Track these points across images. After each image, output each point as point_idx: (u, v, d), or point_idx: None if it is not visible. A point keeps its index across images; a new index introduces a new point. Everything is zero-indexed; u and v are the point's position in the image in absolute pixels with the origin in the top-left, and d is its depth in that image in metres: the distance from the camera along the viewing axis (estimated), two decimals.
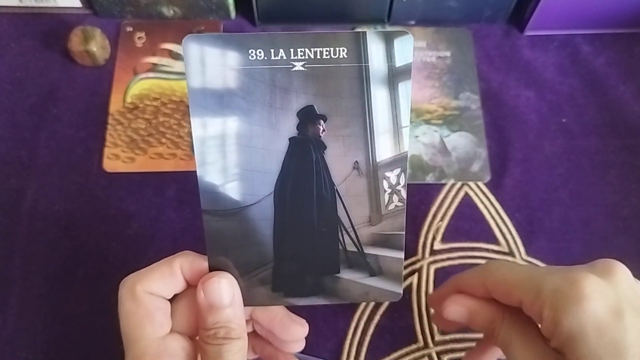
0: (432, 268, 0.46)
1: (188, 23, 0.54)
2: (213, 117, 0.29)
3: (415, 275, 0.45)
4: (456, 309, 0.32)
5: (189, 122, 0.50)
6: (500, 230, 0.47)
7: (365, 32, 0.28)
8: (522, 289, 0.29)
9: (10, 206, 0.47)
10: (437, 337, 0.43)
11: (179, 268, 0.30)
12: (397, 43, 0.29)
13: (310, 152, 0.30)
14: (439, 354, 0.43)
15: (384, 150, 0.30)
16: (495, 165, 0.49)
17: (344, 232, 0.31)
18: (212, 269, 0.31)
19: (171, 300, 0.31)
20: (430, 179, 0.48)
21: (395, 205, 0.31)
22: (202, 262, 0.30)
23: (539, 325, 0.29)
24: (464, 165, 0.49)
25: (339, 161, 0.30)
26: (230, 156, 0.30)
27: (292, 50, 0.28)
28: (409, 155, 0.33)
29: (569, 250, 0.46)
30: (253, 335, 0.35)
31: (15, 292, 0.44)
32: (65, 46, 0.51)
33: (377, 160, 0.31)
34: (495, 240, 0.47)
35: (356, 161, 0.31)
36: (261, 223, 0.31)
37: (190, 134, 0.49)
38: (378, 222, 0.32)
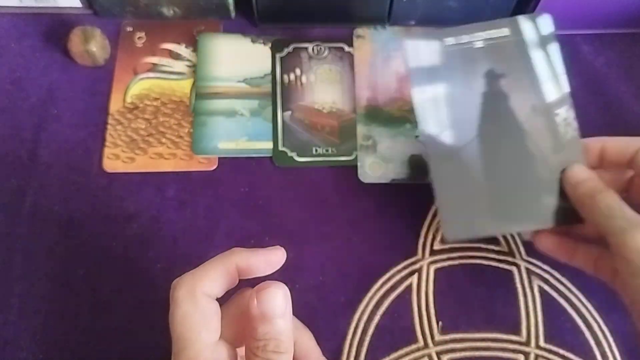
0: (432, 268, 0.46)
1: (188, 23, 0.54)
2: (427, 86, 0.41)
3: (415, 275, 0.45)
4: None
5: (189, 122, 0.50)
6: None
7: (517, 17, 0.42)
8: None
9: (10, 206, 0.47)
10: (437, 337, 0.43)
11: (234, 265, 0.30)
12: (539, 20, 0.42)
13: (497, 102, 0.41)
14: (439, 354, 0.43)
15: (550, 93, 0.41)
16: None
17: (536, 162, 0.39)
18: (439, 206, 0.39)
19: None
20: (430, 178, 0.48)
21: (571, 135, 0.40)
22: (256, 258, 0.31)
23: None
24: None
25: (519, 105, 0.40)
26: (441, 112, 0.40)
27: (472, 35, 0.41)
28: (567, 95, 0.41)
29: None
30: None
31: (15, 292, 0.44)
32: (65, 46, 0.51)
33: (547, 101, 0.41)
34: (495, 241, 0.47)
35: (533, 104, 0.40)
36: (472, 161, 0.40)
37: (190, 134, 0.49)
38: (561, 150, 0.40)
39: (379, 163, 0.48)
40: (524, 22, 0.42)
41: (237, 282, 0.31)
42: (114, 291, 0.45)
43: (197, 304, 0.29)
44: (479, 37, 0.41)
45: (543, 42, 0.42)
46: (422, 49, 0.41)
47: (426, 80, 0.41)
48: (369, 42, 0.53)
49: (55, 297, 0.44)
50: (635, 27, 0.55)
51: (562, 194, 0.39)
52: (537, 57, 0.41)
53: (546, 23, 0.42)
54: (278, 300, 0.29)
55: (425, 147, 0.40)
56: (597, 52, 0.54)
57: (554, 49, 0.41)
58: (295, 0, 0.52)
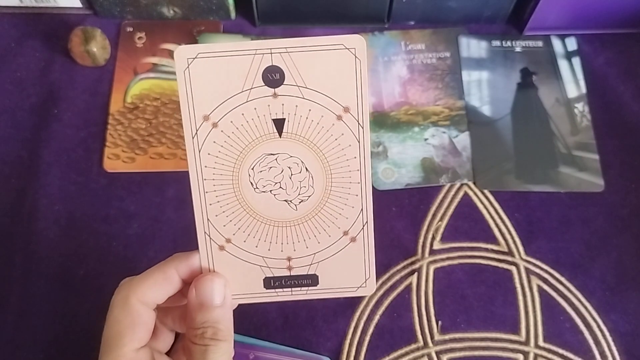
0: (432, 268, 0.46)
1: (188, 23, 0.54)
2: (473, 71, 0.53)
3: (415, 275, 0.45)
4: None
5: None
6: (500, 230, 0.47)
7: (550, 35, 0.54)
8: None
9: (10, 206, 0.47)
10: (437, 337, 0.44)
11: (174, 271, 0.30)
12: (566, 40, 0.54)
13: (529, 91, 0.52)
14: (438, 353, 0.43)
15: (571, 91, 0.52)
16: None
17: (557, 140, 0.50)
18: (474, 162, 0.48)
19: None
20: (443, 180, 0.49)
21: (585, 124, 0.51)
22: (195, 260, 0.31)
23: None
24: None
25: (546, 97, 0.52)
26: (483, 91, 0.52)
27: (514, 41, 0.54)
28: (584, 95, 0.52)
29: (568, 250, 0.46)
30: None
31: (15, 292, 0.44)
32: (65, 46, 0.51)
33: (569, 97, 0.52)
34: (494, 240, 0.47)
35: (556, 97, 0.52)
36: (504, 131, 0.51)
37: None
38: (577, 133, 0.50)
39: (391, 169, 0.48)
40: (555, 39, 0.54)
41: (180, 287, 0.31)
42: (114, 291, 0.45)
43: (129, 310, 0.29)
44: (519, 43, 0.54)
45: (568, 55, 0.54)
46: (472, 45, 0.54)
47: (473, 67, 0.53)
48: (368, 48, 0.53)
49: (55, 297, 0.44)
50: (634, 27, 0.55)
51: (577, 165, 0.49)
52: (563, 64, 0.53)
53: (572, 42, 0.54)
54: (216, 289, 0.30)
55: (467, 115, 0.51)
56: (596, 52, 0.54)
57: (577, 61, 0.53)
58: (295, 1, 0.52)
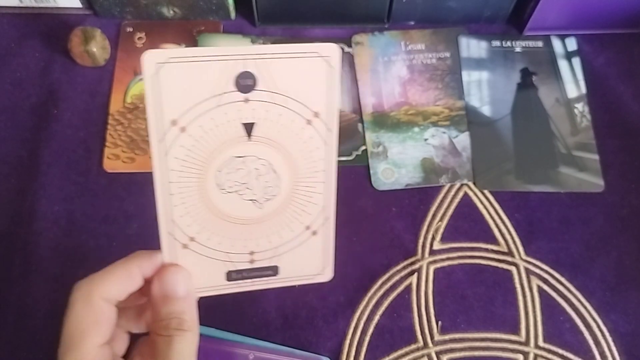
0: (432, 268, 0.46)
1: (188, 23, 0.54)
2: (473, 71, 0.53)
3: (415, 275, 0.45)
4: None
5: None
6: (500, 230, 0.47)
7: (550, 35, 0.54)
8: None
9: (10, 206, 0.47)
10: (437, 337, 0.44)
11: (138, 269, 0.31)
12: (566, 40, 0.54)
13: (529, 91, 0.52)
14: (438, 353, 0.43)
15: (571, 91, 0.52)
16: None
17: (557, 140, 0.50)
18: (475, 162, 0.48)
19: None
20: (444, 180, 0.49)
21: (585, 124, 0.51)
22: (158, 258, 0.31)
23: None
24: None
25: (546, 97, 0.52)
26: (483, 91, 0.52)
27: (514, 41, 0.54)
28: (584, 95, 0.52)
29: (568, 251, 0.47)
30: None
31: (15, 292, 0.44)
32: (65, 46, 0.51)
33: (569, 96, 0.52)
34: (494, 240, 0.47)
35: (556, 97, 0.52)
36: (504, 132, 0.51)
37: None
38: (577, 134, 0.50)
39: (391, 169, 0.48)
40: (555, 39, 0.54)
41: (142, 284, 0.31)
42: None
43: (91, 307, 0.29)
44: (518, 43, 0.54)
45: (568, 55, 0.54)
46: (472, 46, 0.54)
47: (473, 67, 0.53)
48: (368, 48, 0.54)
49: (55, 297, 0.44)
50: (634, 27, 0.55)
51: (577, 166, 0.49)
52: (563, 65, 0.53)
53: (572, 42, 0.54)
54: (179, 281, 0.30)
55: (467, 115, 0.51)
56: (596, 53, 0.54)
57: (577, 61, 0.53)
58: (295, 1, 0.52)
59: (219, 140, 0.30)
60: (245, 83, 0.29)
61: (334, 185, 0.32)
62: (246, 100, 0.30)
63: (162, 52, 0.28)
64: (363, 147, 0.50)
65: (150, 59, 0.28)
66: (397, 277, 0.45)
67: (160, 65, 0.29)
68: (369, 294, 0.45)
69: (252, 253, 0.33)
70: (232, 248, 0.33)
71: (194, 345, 0.30)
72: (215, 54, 0.29)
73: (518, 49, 0.54)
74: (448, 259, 0.46)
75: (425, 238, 0.47)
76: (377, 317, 0.44)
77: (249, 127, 0.30)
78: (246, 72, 0.29)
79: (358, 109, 0.51)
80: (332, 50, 0.29)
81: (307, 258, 0.34)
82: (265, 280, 0.34)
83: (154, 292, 0.30)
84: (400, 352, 0.43)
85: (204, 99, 0.29)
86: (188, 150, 0.30)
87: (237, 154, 0.31)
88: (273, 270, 0.34)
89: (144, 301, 0.32)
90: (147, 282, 0.31)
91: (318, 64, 0.30)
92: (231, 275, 0.33)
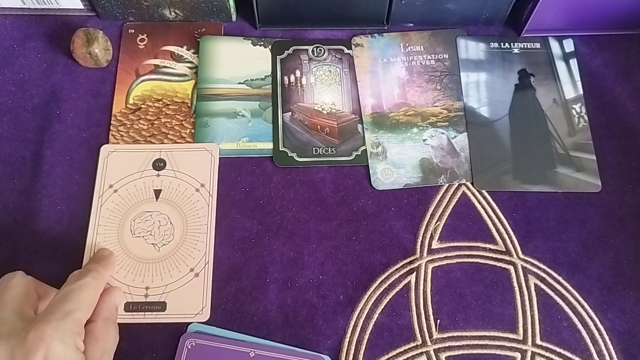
0: (430, 267, 0.46)
1: (189, 25, 0.55)
2: (472, 72, 0.54)
3: (414, 274, 0.46)
4: None
5: (191, 123, 0.51)
6: (497, 230, 0.47)
7: (548, 37, 0.55)
8: None
9: (13, 206, 0.47)
10: (435, 335, 0.44)
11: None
12: (564, 41, 0.55)
13: (527, 92, 0.53)
14: (436, 351, 0.43)
15: (568, 92, 0.53)
16: None
17: (554, 140, 0.50)
18: (473, 162, 0.49)
19: None
20: (442, 180, 0.49)
21: (582, 125, 0.51)
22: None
23: None
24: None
25: (544, 98, 0.52)
26: (481, 92, 0.53)
27: (512, 43, 0.55)
28: (581, 96, 0.53)
29: (565, 250, 0.47)
30: None
31: None
32: (68, 48, 0.51)
33: (566, 97, 0.52)
34: (492, 240, 0.47)
35: (554, 98, 0.52)
36: (502, 132, 0.51)
37: (192, 135, 0.50)
38: (574, 134, 0.51)
39: (390, 169, 0.49)
40: (553, 41, 0.55)
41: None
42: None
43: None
44: (516, 44, 0.54)
45: (566, 56, 0.54)
46: (471, 47, 0.54)
47: (471, 69, 0.54)
48: (367, 50, 0.54)
49: None
50: (631, 28, 0.55)
51: (574, 166, 0.49)
52: (560, 66, 0.54)
53: (569, 43, 0.55)
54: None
55: (466, 115, 0.51)
56: (593, 54, 0.54)
57: (574, 62, 0.54)
58: (295, 3, 0.52)
59: (137, 199, 0.46)
60: (159, 165, 0.47)
61: (213, 237, 0.45)
62: (158, 175, 0.47)
63: (114, 146, 0.48)
64: (363, 148, 0.50)
65: (105, 149, 0.48)
66: (396, 276, 0.46)
67: (110, 152, 0.48)
68: (368, 293, 0.45)
69: (147, 288, 0.43)
70: (133, 282, 0.44)
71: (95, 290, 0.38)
72: (143, 148, 0.48)
73: (516, 51, 0.54)
74: (446, 258, 0.47)
75: (423, 237, 0.47)
76: (376, 316, 0.44)
77: (157, 192, 0.47)
78: (160, 159, 0.48)
79: (358, 110, 0.52)
80: (214, 150, 0.48)
81: (190, 297, 0.43)
82: (155, 315, 0.43)
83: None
84: (399, 350, 0.43)
85: (132, 172, 0.47)
86: (115, 205, 0.46)
87: (147, 209, 0.46)
88: (162, 306, 0.43)
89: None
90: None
91: (205, 155, 0.48)
92: (129, 307, 0.43)
